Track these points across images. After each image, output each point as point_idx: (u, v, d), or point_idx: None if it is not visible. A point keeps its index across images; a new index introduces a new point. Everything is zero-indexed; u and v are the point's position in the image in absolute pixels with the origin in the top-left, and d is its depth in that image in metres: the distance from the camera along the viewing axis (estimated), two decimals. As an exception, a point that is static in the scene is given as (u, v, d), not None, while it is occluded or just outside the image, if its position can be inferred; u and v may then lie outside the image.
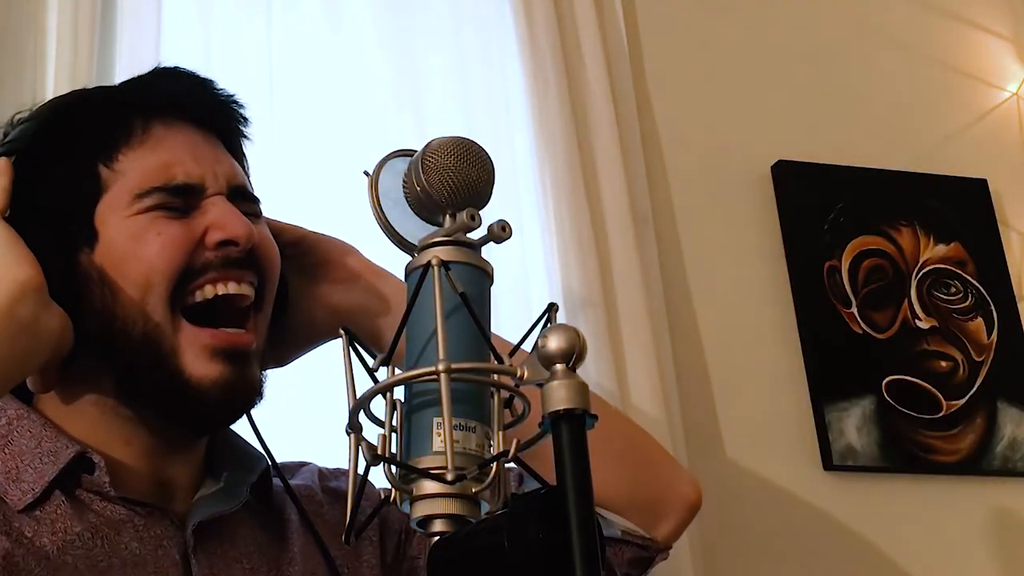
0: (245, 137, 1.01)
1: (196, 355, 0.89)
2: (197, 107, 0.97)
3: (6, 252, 0.85)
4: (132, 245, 0.89)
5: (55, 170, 0.93)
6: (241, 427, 1.01)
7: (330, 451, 1.13)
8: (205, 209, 0.92)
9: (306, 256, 1.04)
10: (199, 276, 0.91)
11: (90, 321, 0.89)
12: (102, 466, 0.88)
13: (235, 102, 0.99)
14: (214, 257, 0.91)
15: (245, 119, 1.00)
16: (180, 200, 0.91)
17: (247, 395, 0.93)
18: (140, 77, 0.99)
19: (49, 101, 1.01)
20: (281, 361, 1.06)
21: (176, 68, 0.99)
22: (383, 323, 1.02)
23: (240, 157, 1.01)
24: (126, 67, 1.45)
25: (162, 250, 0.89)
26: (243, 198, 0.96)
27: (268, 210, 1.53)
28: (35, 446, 0.89)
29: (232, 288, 0.91)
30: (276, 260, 0.97)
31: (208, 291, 0.91)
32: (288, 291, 1.01)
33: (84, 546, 0.85)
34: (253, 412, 0.98)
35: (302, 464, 1.08)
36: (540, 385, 0.63)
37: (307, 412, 1.34)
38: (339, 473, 1.08)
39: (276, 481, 1.01)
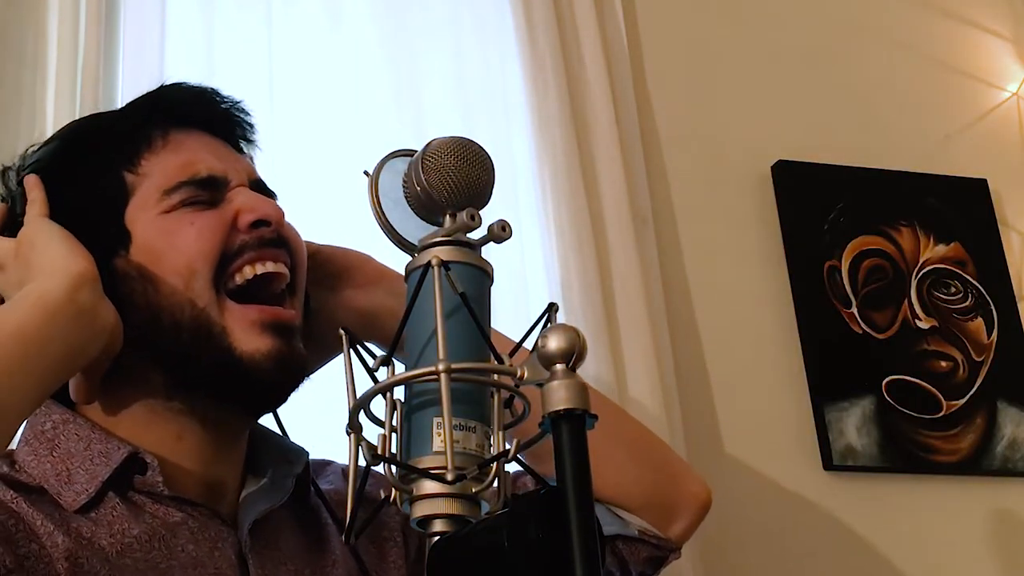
0: (252, 142, 1.04)
1: (245, 331, 0.91)
2: (209, 115, 1.00)
3: (62, 245, 0.88)
4: (168, 238, 0.92)
5: (81, 182, 0.95)
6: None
7: (330, 451, 1.13)
8: (231, 199, 0.95)
9: (323, 267, 1.05)
10: (237, 258, 0.93)
11: (134, 319, 0.90)
12: (155, 466, 0.88)
13: (242, 109, 1.02)
14: (249, 238, 0.93)
15: (252, 125, 1.03)
16: (206, 193, 0.94)
17: (298, 367, 0.94)
18: (149, 93, 1.02)
19: (66, 126, 1.04)
20: (310, 369, 1.06)
21: (182, 82, 1.02)
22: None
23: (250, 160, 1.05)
24: (130, 69, 1.45)
25: (199, 236, 0.92)
26: (263, 191, 1.00)
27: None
28: (84, 448, 0.89)
29: (270, 267, 0.94)
30: (303, 245, 1.00)
31: (247, 272, 0.93)
32: (310, 302, 1.02)
33: (142, 549, 0.85)
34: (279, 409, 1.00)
35: (326, 463, 1.09)
36: (540, 385, 0.63)
37: (307, 412, 1.34)
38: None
39: None
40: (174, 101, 1.00)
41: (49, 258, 0.87)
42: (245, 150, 1.04)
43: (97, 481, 0.86)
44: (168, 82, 1.03)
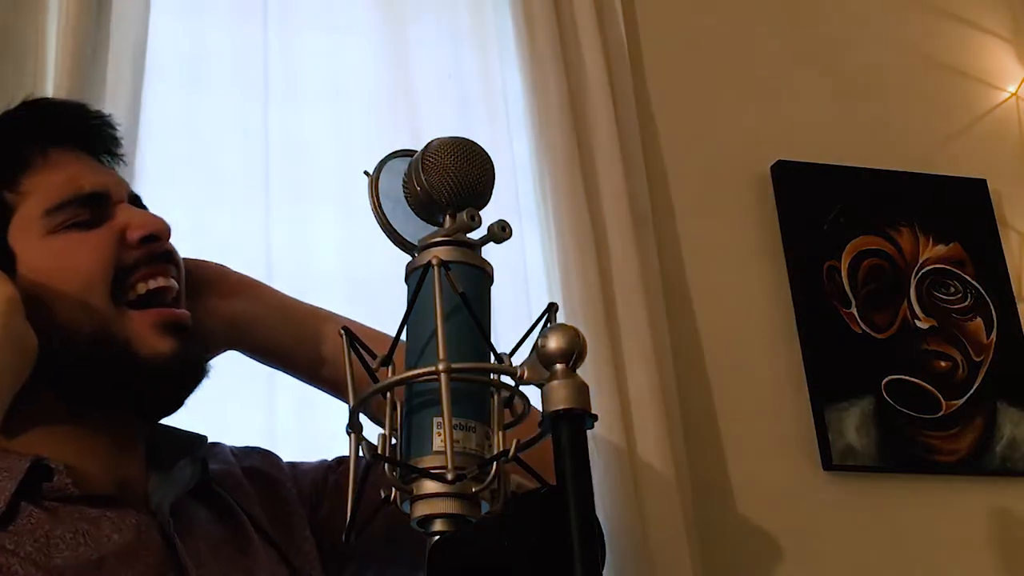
0: (120, 156, 1.05)
1: (147, 335, 0.93)
2: (82, 130, 1.02)
3: None
4: (58, 260, 0.92)
5: None
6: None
7: (330, 451, 1.13)
8: (115, 215, 0.96)
9: (187, 278, 1.06)
10: (130, 274, 0.94)
11: None
12: (61, 469, 0.88)
13: (110, 124, 1.04)
14: (141, 254, 0.95)
15: (119, 140, 1.05)
16: (89, 212, 0.95)
17: (199, 366, 0.97)
18: (18, 110, 1.02)
19: None
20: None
21: (48, 99, 1.06)
22: (274, 329, 1.07)
23: None
24: (112, 71, 1.44)
25: (91, 255, 0.93)
26: (140, 206, 1.01)
27: (267, 210, 1.53)
28: None
29: (161, 282, 0.96)
30: (181, 259, 1.02)
31: (140, 288, 0.95)
32: None
33: (69, 547, 0.85)
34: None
35: (214, 445, 1.09)
36: (540, 385, 0.63)
37: (306, 412, 1.34)
38: (249, 452, 1.11)
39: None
40: (47, 117, 1.01)
41: None
42: (111, 164, 1.04)
43: (5, 495, 0.86)
44: (34, 96, 1.04)
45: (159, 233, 0.96)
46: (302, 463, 1.11)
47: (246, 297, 1.08)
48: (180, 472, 0.98)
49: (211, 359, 1.07)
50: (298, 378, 1.10)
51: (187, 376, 0.96)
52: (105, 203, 0.96)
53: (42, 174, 0.95)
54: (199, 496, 0.99)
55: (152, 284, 0.95)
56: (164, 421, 1.01)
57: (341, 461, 1.11)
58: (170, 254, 0.98)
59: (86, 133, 1.01)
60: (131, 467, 0.96)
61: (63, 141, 0.99)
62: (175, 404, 0.98)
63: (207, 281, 1.07)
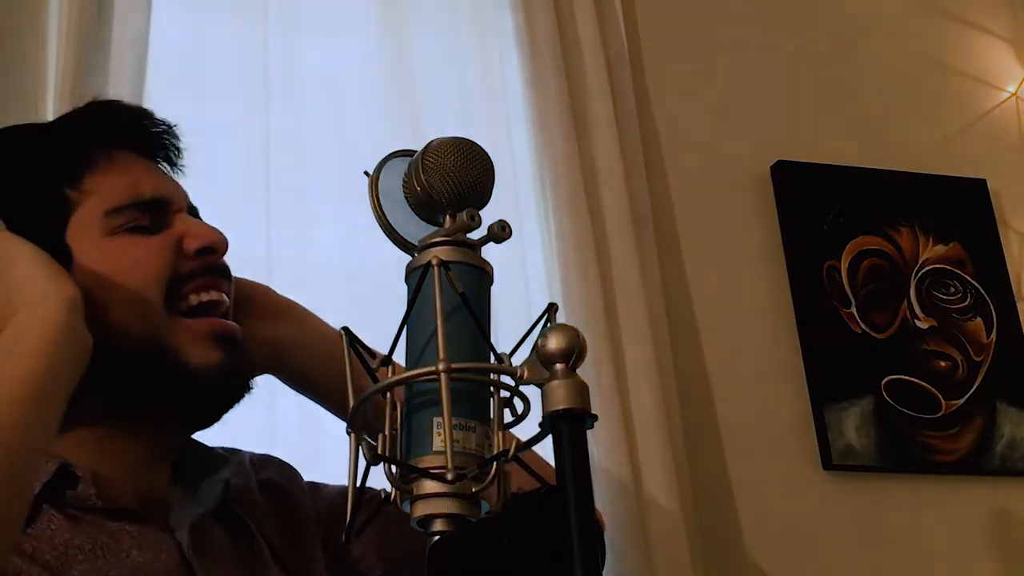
0: (180, 167, 1.04)
1: (198, 343, 0.92)
2: (146, 136, 1.01)
3: (47, 268, 0.87)
4: (116, 262, 0.92)
5: (21, 195, 0.95)
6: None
7: (330, 450, 1.13)
8: (173, 224, 0.96)
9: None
10: (185, 284, 0.94)
11: None
12: (87, 479, 0.88)
13: (174, 133, 1.03)
14: (197, 265, 0.94)
15: (181, 150, 1.04)
16: (149, 217, 0.94)
17: (245, 379, 0.96)
18: (85, 109, 1.02)
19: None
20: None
21: (117, 101, 1.04)
22: (312, 356, 1.06)
23: None
24: (116, 72, 1.44)
25: (149, 260, 0.92)
26: (197, 217, 1.01)
27: (267, 209, 1.53)
28: None
29: (214, 295, 0.95)
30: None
31: (193, 299, 0.94)
32: None
33: (87, 559, 0.85)
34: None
35: (232, 452, 1.08)
36: (540, 385, 0.63)
37: (306, 411, 1.34)
38: (266, 461, 1.10)
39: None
40: (114, 119, 1.00)
41: (35, 280, 0.85)
42: (171, 173, 1.04)
43: None
44: (100, 100, 1.03)
45: (216, 246, 0.95)
46: (324, 484, 1.10)
47: (287, 321, 1.06)
48: (207, 491, 0.97)
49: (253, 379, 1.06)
50: (328, 409, 1.08)
51: (233, 388, 0.95)
52: (165, 210, 0.96)
53: (105, 175, 0.95)
54: (218, 515, 0.98)
55: (205, 296, 0.94)
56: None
57: (362, 491, 1.10)
58: (225, 269, 0.98)
59: (150, 139, 1.01)
60: (157, 480, 0.96)
61: (127, 145, 0.98)
62: (216, 416, 0.97)
63: (249, 300, 1.05)
